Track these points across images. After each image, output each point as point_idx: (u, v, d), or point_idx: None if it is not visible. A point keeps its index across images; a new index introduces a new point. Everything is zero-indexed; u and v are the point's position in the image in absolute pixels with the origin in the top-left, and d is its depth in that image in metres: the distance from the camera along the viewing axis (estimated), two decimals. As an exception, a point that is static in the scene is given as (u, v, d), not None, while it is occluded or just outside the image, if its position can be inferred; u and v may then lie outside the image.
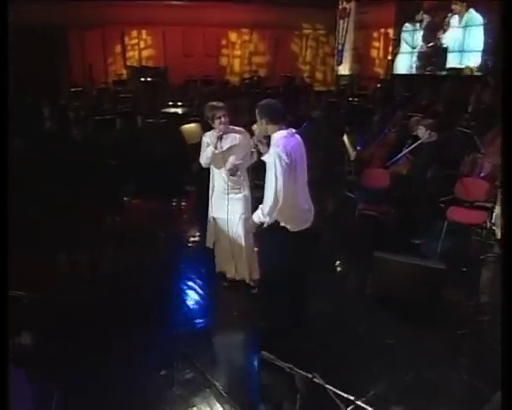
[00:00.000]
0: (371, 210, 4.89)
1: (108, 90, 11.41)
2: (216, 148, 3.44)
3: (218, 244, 3.82)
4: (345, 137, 6.24)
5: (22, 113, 9.15)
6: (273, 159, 2.79)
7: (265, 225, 2.97)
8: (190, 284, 4.02)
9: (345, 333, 3.32)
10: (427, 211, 5.07)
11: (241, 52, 15.15)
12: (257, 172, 3.66)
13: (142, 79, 12.03)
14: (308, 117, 6.77)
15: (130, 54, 13.47)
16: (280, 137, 2.90)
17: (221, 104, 3.47)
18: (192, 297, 3.82)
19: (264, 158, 3.02)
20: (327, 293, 3.80)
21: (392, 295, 3.50)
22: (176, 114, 8.18)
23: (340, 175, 6.37)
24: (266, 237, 3.12)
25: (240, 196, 3.60)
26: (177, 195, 6.50)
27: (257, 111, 2.95)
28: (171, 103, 8.50)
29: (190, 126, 6.94)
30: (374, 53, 14.68)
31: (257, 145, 3.07)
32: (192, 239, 5.15)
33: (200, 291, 3.90)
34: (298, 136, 3.04)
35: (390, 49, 13.24)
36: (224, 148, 3.50)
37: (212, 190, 3.68)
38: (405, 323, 3.35)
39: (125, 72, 13.19)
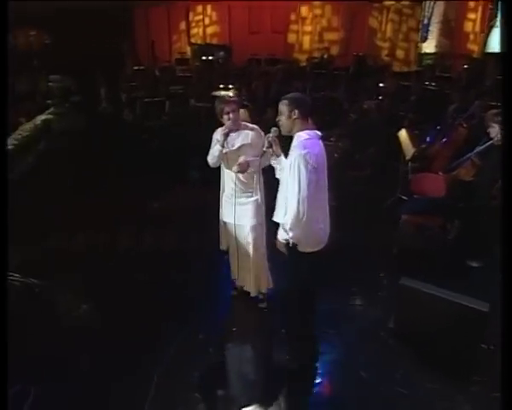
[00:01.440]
0: (418, 222, 4.37)
1: (170, 69, 11.67)
2: (223, 146, 3.25)
3: (230, 249, 3.68)
4: (402, 132, 5.64)
5: (84, 92, 9.78)
6: (297, 163, 2.59)
7: (291, 244, 2.75)
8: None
9: (351, 372, 3.01)
10: (491, 228, 4.41)
11: (311, 28, 14.52)
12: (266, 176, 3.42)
13: (204, 58, 12.11)
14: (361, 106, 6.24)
15: (194, 31, 13.62)
16: (306, 138, 2.70)
17: (231, 98, 3.26)
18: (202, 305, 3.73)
19: (276, 162, 2.91)
20: (341, 321, 3.47)
21: (417, 335, 3.09)
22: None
23: (393, 176, 5.80)
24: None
25: (251, 200, 3.39)
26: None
27: (286, 102, 2.75)
28: (222, 86, 8.40)
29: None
30: (467, 27, 13.09)
31: (271, 145, 2.89)
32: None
33: (210, 299, 3.80)
34: (321, 141, 2.80)
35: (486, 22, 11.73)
36: (234, 147, 3.29)
37: (222, 192, 3.53)
38: (427, 372, 2.93)
39: (188, 49, 13.40)
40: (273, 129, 2.90)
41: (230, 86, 8.36)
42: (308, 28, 14.50)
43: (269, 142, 2.91)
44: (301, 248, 2.77)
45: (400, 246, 4.25)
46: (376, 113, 6.23)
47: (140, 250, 4.63)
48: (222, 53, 13.13)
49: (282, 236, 2.78)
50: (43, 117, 8.82)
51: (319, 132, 2.81)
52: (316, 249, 2.80)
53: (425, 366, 3.03)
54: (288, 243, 2.75)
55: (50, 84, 9.45)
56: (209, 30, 13.74)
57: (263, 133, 3.30)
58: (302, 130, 2.73)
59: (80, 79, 10.08)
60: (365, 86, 9.45)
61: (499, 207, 3.27)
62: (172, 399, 2.76)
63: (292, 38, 14.49)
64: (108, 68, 10.37)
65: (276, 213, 2.95)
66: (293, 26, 14.36)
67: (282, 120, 2.77)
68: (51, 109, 9.15)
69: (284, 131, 2.82)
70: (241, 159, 3.21)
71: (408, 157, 5.47)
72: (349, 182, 5.74)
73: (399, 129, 5.72)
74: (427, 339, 3.07)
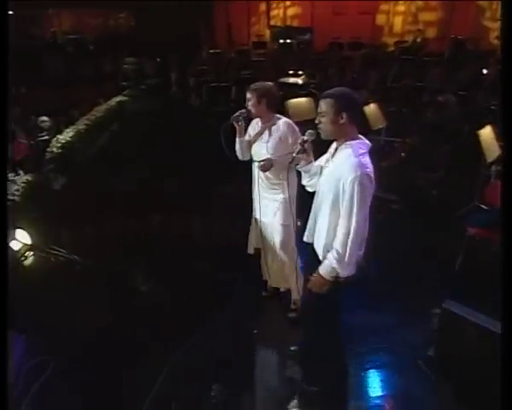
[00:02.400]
0: (486, 236, 3.91)
1: (245, 53, 11.78)
2: (240, 135, 3.18)
3: (262, 248, 3.61)
4: (486, 129, 5.07)
5: (157, 75, 10.28)
6: (357, 187, 2.13)
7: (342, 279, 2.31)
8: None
9: (381, 402, 2.80)
10: None
11: (405, 8, 13.61)
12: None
13: (282, 41, 12.02)
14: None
15: (274, 12, 13.54)
16: (362, 152, 2.21)
17: (255, 85, 3.12)
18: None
19: (305, 168, 2.53)
20: (373, 342, 3.23)
21: (460, 369, 2.78)
22: (295, 84, 7.92)
23: (470, 180, 5.24)
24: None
25: (277, 197, 3.23)
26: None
27: (332, 102, 2.25)
28: (291, 72, 8.26)
29: (298, 101, 6.64)
30: None
31: (304, 151, 2.44)
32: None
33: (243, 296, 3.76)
34: None
35: None
36: (262, 140, 3.18)
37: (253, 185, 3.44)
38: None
39: (267, 32, 13.39)
40: (308, 132, 2.45)
41: (300, 72, 8.19)
42: (401, 8, 13.61)
43: (302, 148, 2.44)
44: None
45: (458, 263, 3.84)
46: (456, 106, 5.66)
47: (197, 237, 4.67)
48: (303, 36, 12.92)
49: (328, 271, 2.32)
50: (118, 98, 9.46)
51: (368, 142, 2.34)
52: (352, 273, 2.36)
53: (465, 403, 2.73)
54: (336, 279, 2.32)
55: (126, 66, 10.07)
56: (290, 11, 13.56)
57: (297, 128, 3.15)
58: (353, 139, 2.28)
59: (155, 62, 10.64)
60: (459, 75, 8.67)
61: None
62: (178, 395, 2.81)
63: (381, 19, 13.72)
64: (183, 51, 10.78)
65: (309, 234, 2.54)
66: (384, 6, 13.58)
67: (324, 122, 2.28)
68: (126, 91, 9.79)
69: (325, 136, 2.34)
70: (266, 156, 3.09)
71: (490, 159, 4.91)
72: (417, 184, 5.32)
73: (483, 126, 5.15)
74: (472, 375, 2.76)
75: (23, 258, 4.10)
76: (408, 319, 3.43)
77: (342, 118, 2.24)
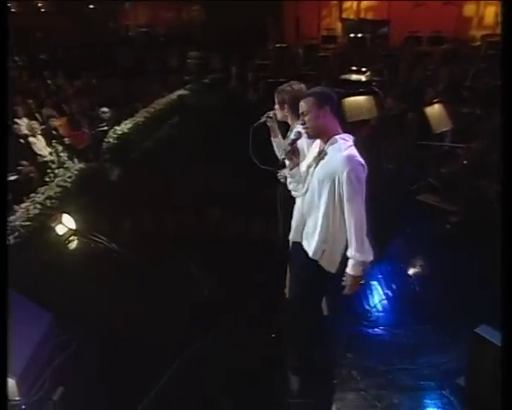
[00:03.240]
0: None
1: (311, 47, 11.72)
2: (274, 136, 3.19)
3: None
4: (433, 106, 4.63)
5: (220, 70, 10.60)
6: (351, 178, 2.23)
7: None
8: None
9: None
10: None
11: (501, -3, 12.64)
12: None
13: (352, 35, 11.80)
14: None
15: (347, 4, 13.29)
16: (349, 144, 2.32)
17: (281, 87, 3.09)
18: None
19: (291, 172, 2.59)
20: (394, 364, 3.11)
21: (489, 400, 2.61)
22: (358, 82, 7.76)
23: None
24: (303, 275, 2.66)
25: (297, 194, 3.21)
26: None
27: (313, 99, 2.35)
28: (354, 68, 8.09)
29: (356, 100, 6.52)
30: None
31: (291, 153, 2.51)
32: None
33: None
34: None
35: None
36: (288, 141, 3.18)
37: None
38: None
39: (338, 25, 13.21)
40: (295, 131, 2.54)
41: (364, 69, 8.00)
42: (495, -3, 12.69)
43: (288, 151, 2.51)
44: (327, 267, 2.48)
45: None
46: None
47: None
48: (377, 29, 12.60)
49: (357, 268, 2.39)
50: (179, 92, 9.93)
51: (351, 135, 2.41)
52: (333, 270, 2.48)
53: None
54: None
55: (189, 60, 10.50)
56: (365, 3, 13.21)
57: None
58: (336, 134, 2.36)
59: (220, 57, 10.97)
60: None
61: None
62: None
63: (469, 9, 12.89)
64: (250, 46, 10.99)
65: (296, 233, 2.67)
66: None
67: (308, 120, 2.36)
68: (188, 85, 10.23)
69: (312, 135, 2.41)
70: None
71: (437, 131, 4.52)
72: (479, 195, 4.98)
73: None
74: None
75: (66, 242, 4.49)
76: (437, 341, 3.26)
77: (326, 111, 2.33)
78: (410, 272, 4.36)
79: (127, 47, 13.90)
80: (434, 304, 3.66)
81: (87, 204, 5.12)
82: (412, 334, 3.40)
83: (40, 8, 14.54)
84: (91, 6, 16.77)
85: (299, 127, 2.55)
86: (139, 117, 7.99)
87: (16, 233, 4.00)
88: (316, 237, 2.45)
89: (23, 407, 2.69)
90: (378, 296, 3.83)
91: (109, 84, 10.59)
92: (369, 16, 13.02)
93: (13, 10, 13.56)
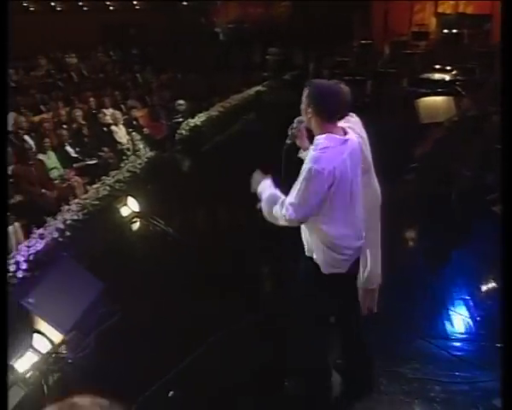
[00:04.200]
0: None
1: (399, 44, 11.40)
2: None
3: None
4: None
5: (298, 66, 10.75)
6: (302, 176, 2.31)
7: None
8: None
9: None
10: None
11: None
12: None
13: (446, 31, 11.27)
14: None
15: (445, -3, 12.64)
16: (323, 146, 2.31)
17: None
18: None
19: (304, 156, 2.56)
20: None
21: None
22: (440, 81, 7.47)
23: None
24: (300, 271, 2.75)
25: None
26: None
27: (305, 92, 2.40)
28: (438, 67, 7.76)
29: (432, 100, 6.34)
30: None
31: (294, 137, 2.56)
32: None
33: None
34: (355, 141, 2.44)
35: None
36: None
37: None
38: None
39: (433, 21, 12.63)
40: (297, 119, 2.55)
41: (449, 68, 7.65)
42: None
43: (292, 134, 2.56)
44: (323, 269, 2.49)
45: None
46: None
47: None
48: (478, 25, 11.88)
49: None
50: (257, 88, 10.25)
51: (348, 135, 2.38)
52: (340, 271, 2.48)
53: None
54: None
55: (269, 57, 10.77)
56: (465, -4, 12.51)
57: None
58: (321, 133, 2.35)
59: (300, 53, 11.12)
60: None
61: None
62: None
63: None
64: (331, 42, 11.00)
65: None
66: None
67: (303, 113, 2.42)
68: (266, 82, 10.51)
69: (308, 126, 2.46)
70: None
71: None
72: None
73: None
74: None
75: (129, 222, 4.98)
76: (481, 359, 3.14)
77: (309, 111, 2.36)
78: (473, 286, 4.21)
79: (213, 43, 14.61)
80: (493, 321, 3.49)
81: (152, 190, 5.59)
82: (455, 347, 3.33)
83: (135, 5, 15.78)
84: (185, 3, 17.82)
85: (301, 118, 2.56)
86: (214, 111, 8.41)
87: (85, 210, 4.52)
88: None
89: (69, 360, 3.11)
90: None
91: (193, 78, 11.27)
92: (469, 10, 12.28)
93: (111, 8, 14.92)
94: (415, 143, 6.21)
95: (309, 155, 2.35)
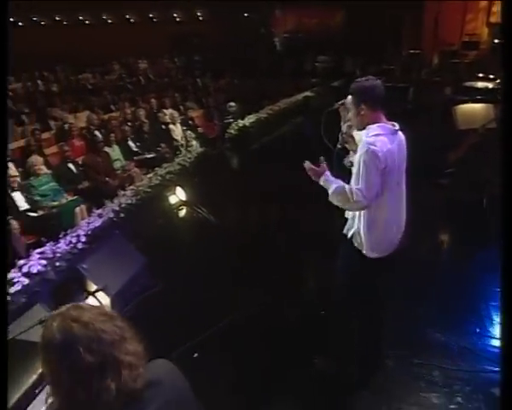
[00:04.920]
0: None
1: (450, 53, 11.04)
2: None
3: None
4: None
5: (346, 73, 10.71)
6: (361, 160, 2.42)
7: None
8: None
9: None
10: None
11: None
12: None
13: (497, 41, 10.78)
14: None
15: (496, 8, 12.04)
16: (375, 133, 2.44)
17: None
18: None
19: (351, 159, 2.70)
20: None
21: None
22: (483, 89, 7.21)
23: None
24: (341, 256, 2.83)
25: None
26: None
27: (351, 99, 2.52)
28: (481, 75, 7.48)
29: (470, 107, 6.18)
30: None
31: (344, 143, 2.71)
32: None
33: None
34: (401, 134, 2.55)
35: None
36: None
37: None
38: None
39: (484, 31, 12.10)
40: (346, 125, 2.71)
41: (493, 76, 7.36)
42: None
43: (342, 138, 2.72)
44: (369, 254, 2.60)
45: None
46: None
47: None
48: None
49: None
50: (305, 94, 10.36)
51: (396, 125, 2.51)
52: (381, 255, 2.64)
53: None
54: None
55: (317, 64, 10.82)
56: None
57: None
58: (372, 123, 2.48)
59: (348, 61, 11.08)
60: None
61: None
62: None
63: None
64: (381, 51, 10.87)
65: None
66: None
67: (351, 117, 2.57)
68: (315, 88, 10.59)
69: (355, 127, 2.60)
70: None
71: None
72: None
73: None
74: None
75: (175, 210, 5.31)
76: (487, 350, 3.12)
77: (362, 109, 2.45)
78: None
79: (269, 51, 14.87)
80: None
81: (198, 182, 5.90)
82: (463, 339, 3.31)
83: (199, 16, 16.38)
84: (246, 14, 18.24)
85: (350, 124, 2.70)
86: (263, 113, 8.63)
87: (138, 196, 4.89)
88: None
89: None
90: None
91: (248, 83, 11.58)
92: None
93: (178, 20, 15.58)
94: (452, 148, 6.09)
95: (362, 141, 2.48)
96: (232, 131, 7.63)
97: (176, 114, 7.99)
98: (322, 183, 2.59)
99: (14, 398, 2.18)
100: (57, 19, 17.70)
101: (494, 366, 2.99)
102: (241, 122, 7.82)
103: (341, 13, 15.80)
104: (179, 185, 5.46)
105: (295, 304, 3.69)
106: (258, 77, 12.04)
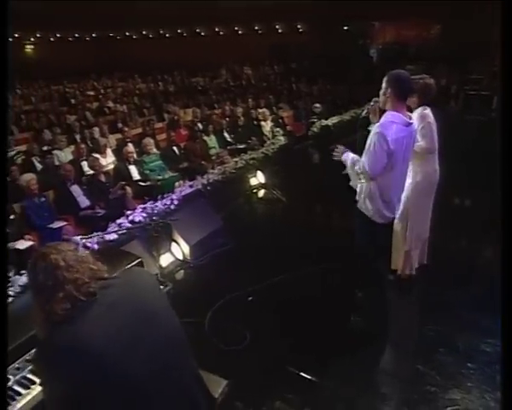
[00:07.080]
0: None
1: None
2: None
3: None
4: None
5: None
6: (371, 138, 2.70)
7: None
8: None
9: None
10: None
11: None
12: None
13: None
14: None
15: None
16: (390, 119, 2.66)
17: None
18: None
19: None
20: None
21: None
22: None
23: None
24: (356, 223, 3.11)
25: None
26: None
27: (386, 79, 2.76)
28: None
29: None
30: None
31: (368, 112, 3.00)
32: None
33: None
34: (414, 129, 2.82)
35: None
36: None
37: None
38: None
39: None
40: (374, 99, 2.96)
41: None
42: None
43: (368, 109, 3.01)
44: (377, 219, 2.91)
45: None
46: None
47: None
48: None
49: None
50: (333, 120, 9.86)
51: (410, 119, 2.73)
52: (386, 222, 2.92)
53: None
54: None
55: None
56: None
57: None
58: (392, 110, 2.70)
59: (435, 70, 10.60)
60: None
61: None
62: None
63: None
64: (472, 61, 10.30)
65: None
66: None
67: (380, 94, 2.79)
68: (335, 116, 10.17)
69: (380, 105, 2.83)
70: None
71: None
72: None
73: None
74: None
75: (254, 190, 5.80)
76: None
77: (388, 92, 2.71)
78: None
79: (364, 61, 14.77)
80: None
81: (277, 170, 6.32)
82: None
83: (299, 28, 16.85)
84: (346, 27, 18.29)
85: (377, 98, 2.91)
86: (346, 115, 8.76)
87: (224, 175, 5.45)
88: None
89: (191, 264, 4.01)
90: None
91: (338, 89, 11.71)
92: None
93: (279, 31, 16.17)
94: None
95: (378, 123, 2.76)
96: (315, 130, 7.92)
97: (267, 112, 8.47)
98: (342, 159, 2.94)
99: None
100: (178, 31, 19.55)
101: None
102: (324, 122, 8.07)
103: (438, 26, 15.16)
104: (260, 170, 5.93)
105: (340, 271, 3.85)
106: (350, 84, 12.08)
